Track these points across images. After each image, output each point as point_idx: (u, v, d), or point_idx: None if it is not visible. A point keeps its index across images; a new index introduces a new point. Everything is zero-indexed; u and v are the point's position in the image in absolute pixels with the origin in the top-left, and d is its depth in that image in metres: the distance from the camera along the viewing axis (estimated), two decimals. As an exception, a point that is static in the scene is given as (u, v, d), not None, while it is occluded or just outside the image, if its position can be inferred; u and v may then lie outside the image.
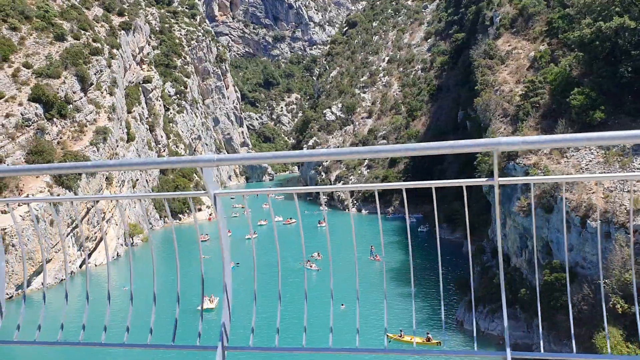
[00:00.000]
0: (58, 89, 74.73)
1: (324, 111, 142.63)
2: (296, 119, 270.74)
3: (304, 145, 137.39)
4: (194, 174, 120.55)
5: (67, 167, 4.03)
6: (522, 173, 38.46)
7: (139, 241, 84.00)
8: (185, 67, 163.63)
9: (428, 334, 39.57)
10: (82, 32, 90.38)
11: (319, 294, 53.78)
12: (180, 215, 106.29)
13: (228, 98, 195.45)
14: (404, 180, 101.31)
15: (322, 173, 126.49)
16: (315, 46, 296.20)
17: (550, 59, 48.28)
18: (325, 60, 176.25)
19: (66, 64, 79.38)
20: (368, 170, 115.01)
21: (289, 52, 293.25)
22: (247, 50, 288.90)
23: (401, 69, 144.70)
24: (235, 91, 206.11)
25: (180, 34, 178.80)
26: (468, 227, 4.78)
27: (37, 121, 70.03)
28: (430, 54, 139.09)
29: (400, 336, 40.00)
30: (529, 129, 41.80)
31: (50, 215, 62.28)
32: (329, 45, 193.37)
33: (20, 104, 69.79)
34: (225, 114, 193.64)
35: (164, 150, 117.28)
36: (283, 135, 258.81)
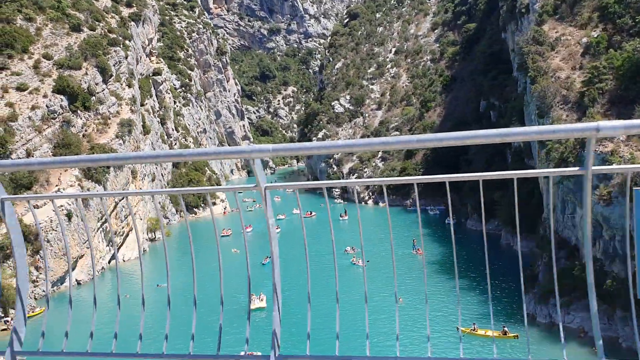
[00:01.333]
0: (80, 80, 72.78)
1: (332, 103, 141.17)
2: (293, 112, 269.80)
3: (314, 138, 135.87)
4: (206, 167, 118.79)
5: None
6: (599, 161, 37.54)
7: (160, 236, 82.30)
8: (189, 59, 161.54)
9: (504, 327, 38.62)
10: (97, 23, 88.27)
11: (371, 290, 52.73)
12: (196, 210, 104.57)
13: (229, 91, 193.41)
14: (422, 172, 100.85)
15: (334, 166, 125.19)
16: (310, 39, 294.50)
17: (608, 44, 47.45)
18: (328, 52, 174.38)
19: (86, 55, 77.35)
20: (383, 163, 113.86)
21: (284, 45, 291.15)
22: (242, 43, 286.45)
23: (409, 60, 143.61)
24: (236, 84, 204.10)
25: (181, 27, 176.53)
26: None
27: (62, 113, 68.13)
28: (438, 45, 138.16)
29: (474, 330, 39.00)
30: (600, 116, 40.93)
31: (82, 209, 60.49)
32: (330, 37, 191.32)
33: (45, 96, 67.82)
34: (226, 107, 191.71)
35: (175, 144, 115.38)
36: (280, 129, 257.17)
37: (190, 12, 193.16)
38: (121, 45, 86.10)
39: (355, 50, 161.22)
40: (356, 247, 67.49)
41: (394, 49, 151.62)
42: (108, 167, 65.70)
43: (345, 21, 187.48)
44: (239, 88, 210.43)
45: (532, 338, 37.58)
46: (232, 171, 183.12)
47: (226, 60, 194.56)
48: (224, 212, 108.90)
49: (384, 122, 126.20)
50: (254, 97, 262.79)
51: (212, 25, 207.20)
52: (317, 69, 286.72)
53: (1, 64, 69.06)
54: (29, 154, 62.22)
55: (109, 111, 74.56)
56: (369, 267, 57.65)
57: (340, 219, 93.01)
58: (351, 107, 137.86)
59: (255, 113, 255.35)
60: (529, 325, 40.34)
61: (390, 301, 48.21)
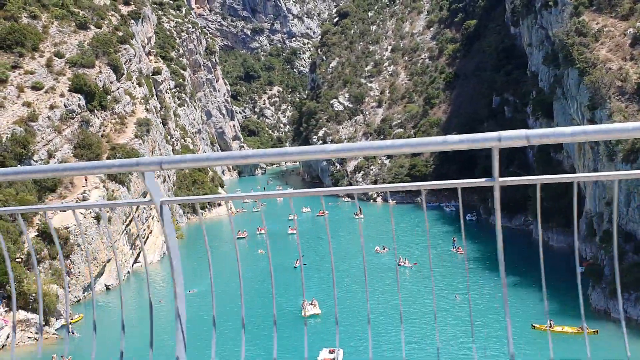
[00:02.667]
0: (95, 78, 70.36)
1: (331, 101, 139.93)
2: (279, 112, 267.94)
3: (314, 137, 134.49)
4: (208, 167, 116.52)
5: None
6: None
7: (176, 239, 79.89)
8: (180, 59, 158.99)
9: (584, 322, 37.66)
10: (102, 20, 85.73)
11: (414, 291, 51.66)
12: (202, 211, 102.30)
13: (219, 91, 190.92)
14: (434, 169, 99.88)
15: (337, 164, 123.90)
16: (294, 38, 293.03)
17: (658, 35, 47.11)
18: (320, 50, 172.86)
19: (97, 53, 74.88)
20: (390, 160, 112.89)
21: (268, 45, 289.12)
22: (225, 43, 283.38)
23: (406, 57, 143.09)
24: (225, 84, 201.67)
25: (170, 26, 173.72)
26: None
27: (80, 113, 65.70)
28: (435, 42, 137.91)
29: (550, 327, 38.04)
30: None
31: (108, 212, 58.22)
32: (321, 36, 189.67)
33: (62, 95, 65.33)
34: (216, 107, 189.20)
35: (177, 145, 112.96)
36: (267, 129, 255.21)
37: (177, 11, 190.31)
38: (129, 43, 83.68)
39: (349, 49, 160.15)
40: (386, 246, 66.06)
41: (389, 47, 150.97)
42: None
43: (335, 20, 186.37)
44: (228, 88, 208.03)
45: (610, 334, 36.70)
46: (223, 172, 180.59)
47: (215, 60, 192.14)
48: (230, 213, 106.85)
49: (386, 120, 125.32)
50: (239, 98, 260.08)
51: (198, 24, 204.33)
52: (302, 68, 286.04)
53: (14, 63, 66.38)
54: (50, 156, 59.81)
55: (124, 110, 72.25)
56: (416, 267, 56.72)
57: (355, 217, 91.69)
58: (351, 105, 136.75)
59: (241, 113, 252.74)
60: (606, 322, 39.59)
61: (446, 300, 47.22)
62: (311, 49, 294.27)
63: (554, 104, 64.49)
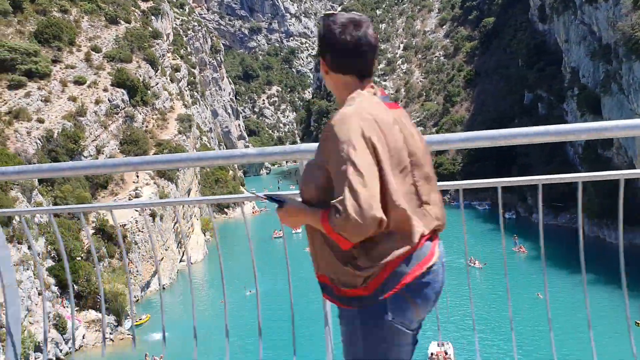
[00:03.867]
0: (135, 73, 68.74)
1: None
2: (279, 112, 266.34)
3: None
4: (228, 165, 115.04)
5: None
6: None
7: (209, 237, 78.36)
8: (190, 57, 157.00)
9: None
10: (129, 15, 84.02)
11: (488, 292, 50.71)
12: (227, 210, 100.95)
13: (224, 90, 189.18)
14: (462, 167, 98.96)
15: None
16: (292, 37, 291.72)
17: None
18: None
19: (132, 48, 73.25)
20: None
21: (266, 44, 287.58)
22: (223, 42, 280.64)
23: (419, 55, 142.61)
24: (230, 83, 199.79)
25: (176, 24, 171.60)
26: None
27: (124, 108, 64.08)
28: (449, 40, 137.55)
29: (653, 322, 37.19)
30: None
31: (159, 210, 56.68)
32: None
33: (106, 90, 63.68)
34: (222, 107, 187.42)
35: (197, 143, 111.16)
36: (267, 129, 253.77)
37: (181, 9, 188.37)
38: (161, 38, 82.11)
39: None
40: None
41: (401, 45, 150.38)
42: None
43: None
44: (233, 87, 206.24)
45: None
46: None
47: (220, 59, 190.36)
48: (254, 212, 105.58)
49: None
50: (238, 97, 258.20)
51: (202, 22, 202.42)
52: (300, 68, 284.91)
53: (54, 57, 64.56)
54: (99, 151, 58.17)
55: (163, 106, 70.69)
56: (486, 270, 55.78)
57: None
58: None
59: (241, 113, 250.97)
60: None
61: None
62: (309, 49, 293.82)
63: (605, 100, 64.02)
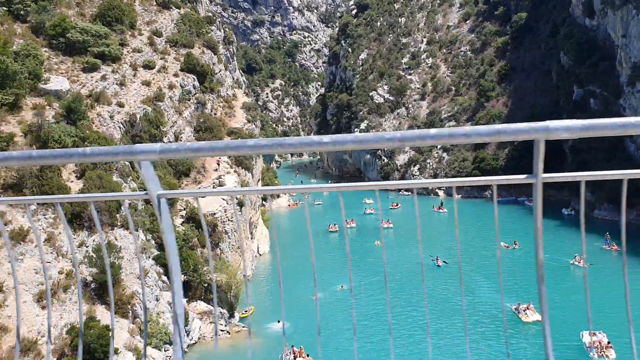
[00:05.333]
0: (200, 59, 66.57)
1: (370, 94, 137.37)
2: (282, 106, 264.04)
3: (355, 130, 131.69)
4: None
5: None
6: None
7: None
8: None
9: None
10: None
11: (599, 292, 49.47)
12: (264, 202, 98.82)
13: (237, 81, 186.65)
14: (505, 163, 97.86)
15: (384, 158, 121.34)
16: (295, 31, 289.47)
17: None
18: (345, 42, 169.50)
19: (191, 33, 71.03)
20: (448, 153, 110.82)
21: (268, 38, 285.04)
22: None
23: (444, 50, 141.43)
24: (242, 74, 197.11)
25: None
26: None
27: (195, 94, 61.93)
28: (474, 35, 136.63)
29: None
30: None
31: (237, 198, 54.73)
32: (339, 29, 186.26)
33: (176, 75, 61.44)
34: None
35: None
36: (271, 122, 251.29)
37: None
38: (215, 25, 79.78)
39: (378, 41, 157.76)
40: (517, 240, 62.92)
41: (424, 39, 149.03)
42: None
43: (354, 12, 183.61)
44: (244, 79, 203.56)
45: None
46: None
47: (233, 50, 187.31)
48: (289, 205, 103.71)
49: (434, 113, 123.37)
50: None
51: (216, 13, 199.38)
52: (303, 62, 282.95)
53: (121, 41, 62.17)
54: (177, 138, 56.07)
55: (227, 93, 68.60)
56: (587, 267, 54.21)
57: (437, 210, 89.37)
58: (392, 98, 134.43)
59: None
60: None
61: None
62: (312, 43, 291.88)
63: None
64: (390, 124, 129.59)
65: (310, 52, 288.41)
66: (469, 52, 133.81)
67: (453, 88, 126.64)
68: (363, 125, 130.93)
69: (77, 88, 51.53)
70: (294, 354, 35.65)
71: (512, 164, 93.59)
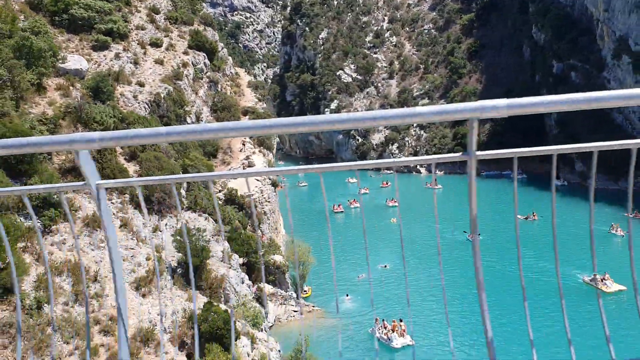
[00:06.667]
0: (206, 36, 63.53)
1: (337, 73, 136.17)
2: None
3: (326, 110, 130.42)
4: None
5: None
6: None
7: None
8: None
9: None
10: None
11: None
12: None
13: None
14: (487, 138, 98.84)
15: (358, 137, 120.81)
16: (236, 12, 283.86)
17: None
18: (301, 21, 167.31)
19: (187, 10, 67.67)
20: (425, 131, 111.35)
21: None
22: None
23: (407, 28, 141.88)
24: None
25: None
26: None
27: (206, 73, 59.08)
28: (436, 13, 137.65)
29: None
30: None
31: (270, 179, 52.87)
32: (292, 7, 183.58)
33: (186, 53, 58.31)
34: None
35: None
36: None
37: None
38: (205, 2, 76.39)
39: (337, 19, 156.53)
40: (536, 212, 63.61)
41: (385, 18, 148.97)
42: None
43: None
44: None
45: None
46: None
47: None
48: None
49: (405, 91, 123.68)
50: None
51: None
52: (247, 43, 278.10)
53: (123, 18, 58.32)
54: (197, 118, 53.37)
55: (230, 72, 65.90)
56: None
57: (428, 187, 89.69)
58: (360, 77, 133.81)
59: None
60: None
61: None
62: (254, 24, 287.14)
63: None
64: (361, 103, 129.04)
65: (253, 32, 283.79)
66: (432, 30, 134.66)
67: (422, 66, 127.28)
68: (333, 105, 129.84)
69: (94, 67, 48.06)
70: (386, 327, 34.77)
71: (495, 139, 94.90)
